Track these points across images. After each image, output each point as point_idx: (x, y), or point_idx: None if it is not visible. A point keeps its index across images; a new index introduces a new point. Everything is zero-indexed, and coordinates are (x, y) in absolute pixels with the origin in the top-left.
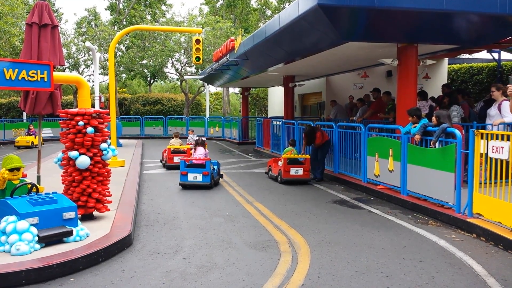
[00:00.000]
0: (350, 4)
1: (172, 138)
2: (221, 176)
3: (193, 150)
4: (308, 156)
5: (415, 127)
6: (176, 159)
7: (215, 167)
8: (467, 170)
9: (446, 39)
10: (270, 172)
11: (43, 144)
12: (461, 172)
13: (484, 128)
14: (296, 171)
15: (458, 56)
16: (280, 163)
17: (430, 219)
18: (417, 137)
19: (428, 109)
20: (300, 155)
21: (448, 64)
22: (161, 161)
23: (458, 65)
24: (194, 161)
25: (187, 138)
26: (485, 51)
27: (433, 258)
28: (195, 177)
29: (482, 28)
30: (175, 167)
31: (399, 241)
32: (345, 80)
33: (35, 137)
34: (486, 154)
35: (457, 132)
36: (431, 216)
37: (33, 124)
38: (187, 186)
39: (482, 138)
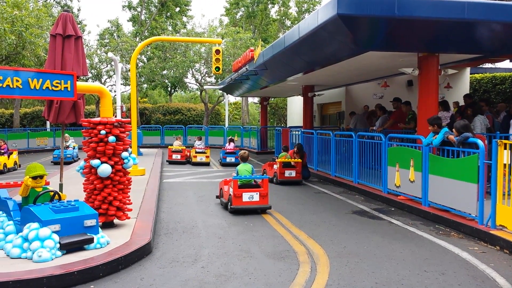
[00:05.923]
0: (369, 14)
1: (175, 140)
2: None
3: (227, 143)
4: (300, 160)
5: (435, 138)
6: (175, 156)
7: None
8: (490, 181)
9: (468, 48)
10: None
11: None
12: (484, 183)
13: (507, 138)
14: (290, 173)
15: (481, 66)
16: (275, 166)
17: (452, 230)
18: (451, 137)
19: (450, 119)
20: (292, 160)
21: (470, 74)
22: None
23: (480, 74)
24: (228, 150)
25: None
26: (508, 60)
27: (455, 270)
28: (231, 159)
29: (505, 37)
30: (174, 162)
31: (420, 253)
32: (365, 90)
33: (8, 157)
34: (510, 165)
35: (480, 142)
36: (453, 228)
37: (1, 135)
38: (226, 165)
39: (505, 148)
